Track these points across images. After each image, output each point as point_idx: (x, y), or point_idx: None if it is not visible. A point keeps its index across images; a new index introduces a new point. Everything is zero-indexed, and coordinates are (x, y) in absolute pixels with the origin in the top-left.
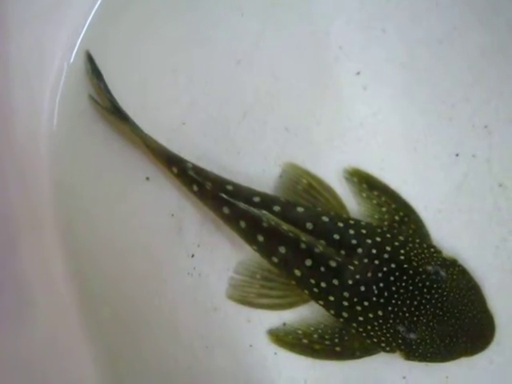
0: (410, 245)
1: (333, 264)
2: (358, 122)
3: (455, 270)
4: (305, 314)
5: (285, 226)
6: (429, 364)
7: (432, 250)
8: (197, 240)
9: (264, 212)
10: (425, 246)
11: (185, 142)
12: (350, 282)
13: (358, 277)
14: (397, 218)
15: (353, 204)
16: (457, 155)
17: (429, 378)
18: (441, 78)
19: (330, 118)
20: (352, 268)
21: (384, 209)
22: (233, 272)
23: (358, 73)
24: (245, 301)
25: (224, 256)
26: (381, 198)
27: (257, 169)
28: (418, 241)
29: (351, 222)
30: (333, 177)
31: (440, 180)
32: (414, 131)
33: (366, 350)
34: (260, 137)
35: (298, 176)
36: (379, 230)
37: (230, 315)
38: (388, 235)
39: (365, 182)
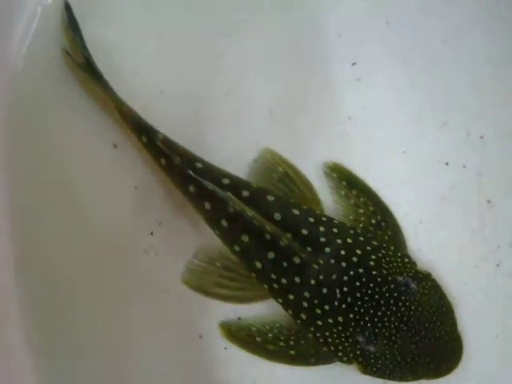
0: (383, 251)
1: (296, 260)
2: (346, 115)
3: (427, 285)
4: (262, 310)
5: (250, 213)
6: (387, 382)
7: (406, 260)
8: (158, 217)
9: (231, 195)
10: (399, 255)
11: (160, 112)
12: (313, 281)
13: (321, 277)
14: (373, 221)
15: (329, 201)
16: (446, 164)
17: None
18: (440, 79)
19: (317, 107)
20: (316, 267)
21: (361, 210)
22: (192, 256)
23: (354, 63)
24: (200, 288)
25: (184, 238)
26: (359, 199)
27: (232, 150)
28: (392, 248)
29: (323, 218)
30: (312, 170)
31: (425, 188)
32: (404, 132)
33: (321, 358)
34: (241, 118)
35: (275, 163)
36: (352, 232)
37: (182, 301)
38: (361, 238)
39: (345, 180)
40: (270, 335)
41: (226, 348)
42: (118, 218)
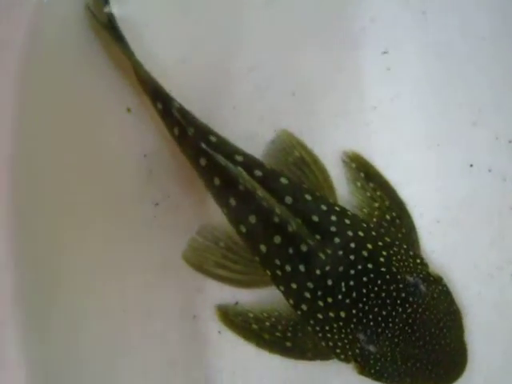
0: (395, 249)
1: (303, 248)
2: (371, 104)
3: (438, 289)
4: (261, 297)
5: (260, 193)
6: None
7: (418, 260)
8: (165, 189)
9: (242, 172)
10: (411, 254)
11: (179, 82)
12: (318, 272)
13: (327, 268)
14: (388, 217)
15: (344, 191)
16: (471, 166)
17: None
18: (475, 77)
19: (342, 93)
20: (323, 257)
21: (376, 204)
22: (195, 233)
23: (385, 52)
24: (201, 267)
25: (190, 214)
26: (376, 192)
27: (249, 129)
28: (404, 247)
29: (336, 208)
30: (330, 157)
31: (446, 188)
32: (430, 128)
33: (318, 353)
34: (262, 96)
35: (292, 146)
36: (364, 225)
37: (179, 278)
38: (373, 233)
39: (363, 171)
40: (267, 324)
41: (219, 332)
42: (123, 184)
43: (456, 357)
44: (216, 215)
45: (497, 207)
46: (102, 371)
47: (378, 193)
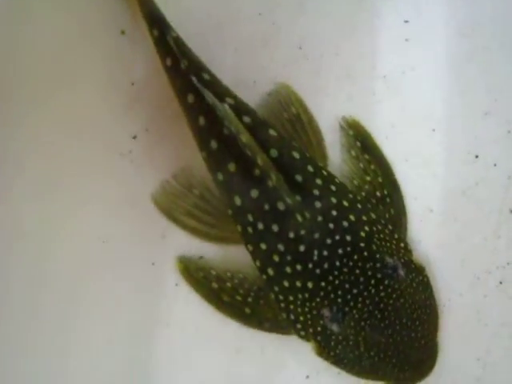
0: (379, 227)
1: (280, 206)
2: (382, 73)
3: (418, 279)
4: (228, 255)
5: (245, 139)
6: (341, 372)
7: (402, 245)
8: (146, 123)
9: (230, 113)
10: (395, 237)
11: (181, 13)
12: (291, 235)
13: (302, 232)
14: (378, 194)
15: (336, 158)
16: (476, 157)
17: None
18: (495, 63)
19: (352, 56)
20: (300, 219)
21: (368, 178)
22: (171, 176)
23: (407, 21)
24: (169, 212)
25: (168, 154)
26: (370, 165)
27: (247, 75)
28: (390, 227)
29: (324, 172)
30: (327, 120)
31: (446, 176)
32: (439, 109)
33: (277, 326)
34: (266, 44)
35: (289, 102)
36: (351, 196)
37: (144, 220)
38: (358, 205)
39: (360, 140)
40: (228, 284)
41: (177, 284)
42: (103, 110)
43: (424, 355)
44: (195, 160)
45: (497, 205)
46: (57, 314)
47: (372, 166)
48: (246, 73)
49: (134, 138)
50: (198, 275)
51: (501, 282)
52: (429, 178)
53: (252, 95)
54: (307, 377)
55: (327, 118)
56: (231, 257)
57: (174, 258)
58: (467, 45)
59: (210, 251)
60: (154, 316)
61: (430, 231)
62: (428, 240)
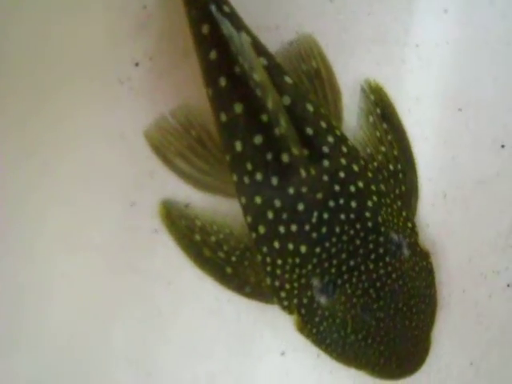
0: (388, 200)
1: (285, 157)
2: (414, 41)
3: (421, 263)
4: (217, 207)
5: (258, 77)
6: (320, 354)
7: (409, 224)
8: (152, 51)
9: (248, 47)
10: (404, 214)
11: None
12: (291, 190)
13: (303, 190)
14: (391, 167)
15: (352, 122)
16: (502, 146)
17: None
18: None
19: (387, 19)
20: (303, 175)
21: (383, 149)
22: (169, 112)
23: None
24: (161, 151)
25: (170, 88)
26: (387, 136)
27: (271, 19)
28: (399, 204)
29: (337, 131)
30: (349, 81)
31: (466, 162)
32: (470, 90)
33: (258, 292)
34: None
35: (311, 54)
36: (362, 162)
37: (132, 155)
38: (369, 173)
39: (381, 107)
40: (212, 238)
41: (156, 230)
42: (109, 31)
43: (415, 349)
44: (198, 99)
45: None
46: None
47: (389, 137)
48: (270, 16)
49: (136, 65)
50: (180, 223)
51: (508, 285)
52: (447, 161)
53: (272, 41)
54: (282, 353)
55: (349, 79)
56: (220, 209)
57: (158, 201)
58: (508, 27)
59: (197, 200)
60: (125, 260)
61: (440, 217)
62: (437, 226)
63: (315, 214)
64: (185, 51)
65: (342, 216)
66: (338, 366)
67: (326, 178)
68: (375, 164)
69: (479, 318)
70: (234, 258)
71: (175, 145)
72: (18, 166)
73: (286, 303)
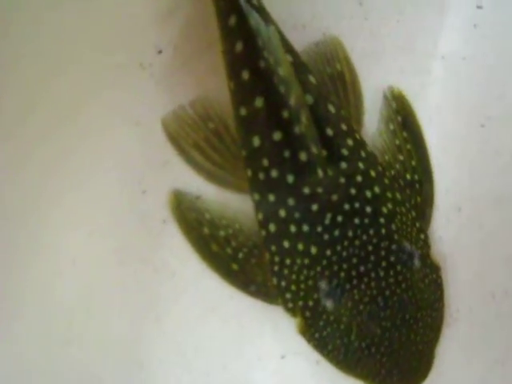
0: (403, 209)
1: (303, 156)
2: (442, 53)
3: (431, 276)
4: (228, 202)
5: (283, 71)
6: (320, 361)
7: (422, 236)
8: (176, 39)
9: (275, 39)
10: (417, 225)
11: None
12: (307, 190)
13: (319, 190)
14: (408, 177)
15: (372, 128)
16: None
17: None
18: None
19: (416, 26)
20: (320, 175)
21: (401, 157)
22: (188, 102)
23: (480, 7)
24: (177, 141)
25: (191, 78)
26: (406, 145)
27: (298, 18)
28: (413, 214)
29: (357, 136)
30: (372, 87)
31: (484, 177)
32: (493, 106)
33: (263, 291)
34: None
35: (336, 57)
36: (380, 168)
37: (147, 141)
38: (386, 180)
39: (402, 116)
40: (221, 233)
41: (164, 221)
42: (136, 15)
43: (418, 364)
44: (219, 92)
45: None
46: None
47: (408, 146)
48: (297, 15)
49: (160, 52)
50: (189, 215)
51: None
52: (465, 175)
53: (298, 40)
54: (282, 357)
55: (372, 85)
56: (231, 204)
57: (169, 190)
58: None
59: (209, 193)
60: (131, 248)
61: (453, 232)
62: (449, 241)
63: (329, 215)
64: (209, 42)
65: (356, 220)
66: (338, 374)
67: (342, 180)
68: (392, 172)
69: (485, 338)
70: (241, 255)
71: (192, 136)
72: (32, 152)
73: (290, 305)
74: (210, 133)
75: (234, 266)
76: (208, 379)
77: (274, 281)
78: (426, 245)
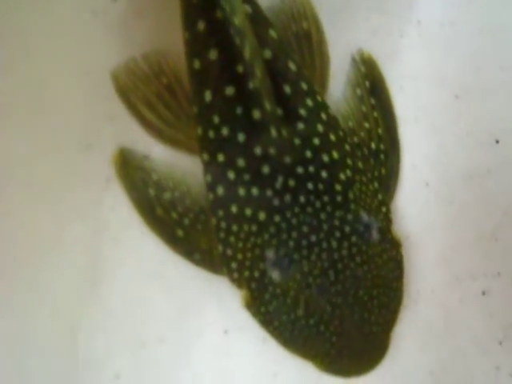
0: (363, 178)
1: (256, 114)
2: (418, 17)
3: (391, 252)
4: (176, 163)
5: (238, 21)
6: (266, 339)
7: (383, 209)
8: None
9: None
10: (379, 197)
11: None
12: (258, 150)
13: (271, 151)
14: (373, 146)
15: (337, 92)
16: (497, 142)
17: None
18: None
19: None
20: (274, 135)
21: (367, 125)
22: (141, 55)
23: None
24: (126, 94)
25: (146, 29)
26: (373, 112)
27: None
28: (375, 185)
29: (318, 97)
30: (340, 48)
31: (456, 153)
32: (469, 77)
33: (208, 260)
34: None
35: (303, 15)
36: (341, 134)
37: (94, 93)
38: (347, 146)
39: (371, 81)
40: (167, 195)
41: (107, 180)
42: None
43: (371, 346)
44: (175, 44)
45: (504, 202)
46: None
47: (375, 114)
48: None
49: (114, 0)
50: (135, 175)
51: (484, 293)
52: (435, 148)
53: None
54: (225, 331)
55: (340, 47)
56: (180, 165)
57: (114, 146)
58: None
59: (157, 153)
60: (72, 205)
61: (418, 208)
62: (413, 217)
63: (280, 179)
64: None
65: (310, 185)
66: (285, 353)
67: (297, 141)
68: (356, 139)
69: (446, 323)
70: (186, 221)
71: (142, 90)
72: None
73: (235, 275)
74: (163, 88)
75: (179, 233)
76: (144, 351)
77: (220, 249)
78: (387, 218)
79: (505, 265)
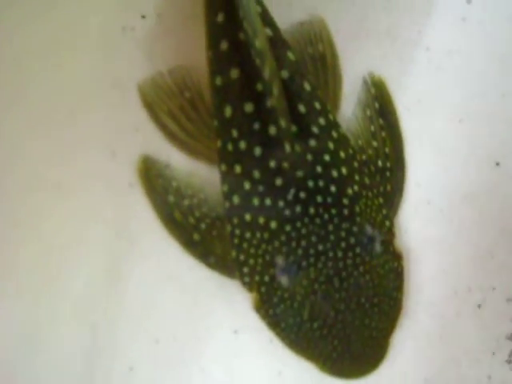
0: (369, 193)
1: (272, 129)
2: (427, 44)
3: (392, 264)
4: (196, 172)
5: (259, 44)
6: (273, 340)
7: (387, 223)
8: (160, 6)
9: (253, 12)
10: (383, 212)
11: None
12: (272, 163)
13: (284, 165)
14: (380, 164)
15: (348, 112)
16: (497, 164)
17: None
18: None
19: (403, 14)
20: (288, 149)
21: (375, 143)
22: (167, 70)
23: (469, 1)
24: (152, 107)
25: (172, 46)
26: (381, 132)
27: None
28: (380, 201)
29: (330, 116)
30: (353, 71)
31: (458, 174)
32: (474, 102)
33: (222, 264)
34: None
35: (319, 38)
36: (350, 151)
37: (121, 105)
38: (355, 163)
39: (380, 103)
40: (185, 202)
41: (130, 185)
42: None
43: (370, 351)
44: (199, 60)
45: (501, 221)
46: None
47: (383, 134)
48: None
49: (143, 17)
50: (156, 182)
51: (479, 306)
52: (439, 169)
53: (283, 18)
54: (235, 331)
55: (353, 70)
56: (199, 174)
57: (138, 155)
58: None
59: (178, 162)
60: (95, 208)
61: (420, 224)
62: (415, 233)
63: (292, 191)
64: (193, 11)
65: (319, 198)
66: (290, 354)
67: (309, 157)
68: (364, 157)
69: (443, 333)
70: (203, 225)
71: (167, 103)
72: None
73: (247, 279)
74: (185, 101)
75: (196, 237)
76: (157, 347)
77: (233, 254)
78: (390, 232)
79: (500, 280)
